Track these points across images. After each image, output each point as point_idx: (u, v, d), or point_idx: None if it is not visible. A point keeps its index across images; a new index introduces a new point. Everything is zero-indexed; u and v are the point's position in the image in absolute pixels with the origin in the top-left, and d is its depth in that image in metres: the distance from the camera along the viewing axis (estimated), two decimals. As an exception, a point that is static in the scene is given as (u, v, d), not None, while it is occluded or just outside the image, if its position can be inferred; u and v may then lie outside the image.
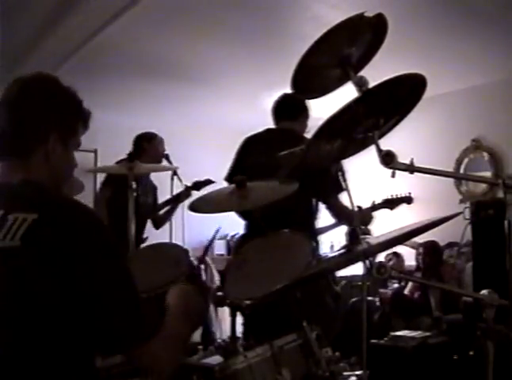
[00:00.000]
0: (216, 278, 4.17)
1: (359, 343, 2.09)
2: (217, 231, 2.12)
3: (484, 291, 1.41)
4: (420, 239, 4.53)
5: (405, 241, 1.85)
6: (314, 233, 2.84)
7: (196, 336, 1.69)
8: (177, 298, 1.42)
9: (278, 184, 2.04)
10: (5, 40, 3.97)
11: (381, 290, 4.79)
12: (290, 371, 1.57)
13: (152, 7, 3.72)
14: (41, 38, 4.22)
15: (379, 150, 1.39)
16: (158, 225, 4.25)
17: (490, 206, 3.00)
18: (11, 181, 1.28)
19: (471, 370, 3.04)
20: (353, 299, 4.57)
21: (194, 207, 1.99)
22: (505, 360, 1.39)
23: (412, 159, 1.40)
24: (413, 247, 4.79)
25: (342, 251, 1.82)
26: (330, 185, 2.65)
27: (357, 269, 1.92)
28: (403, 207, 3.84)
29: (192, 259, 1.84)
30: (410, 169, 1.40)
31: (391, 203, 3.71)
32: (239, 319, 1.90)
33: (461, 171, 5.49)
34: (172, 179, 4.05)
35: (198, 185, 4.06)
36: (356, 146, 1.52)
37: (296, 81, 1.52)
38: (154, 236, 3.91)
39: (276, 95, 3.06)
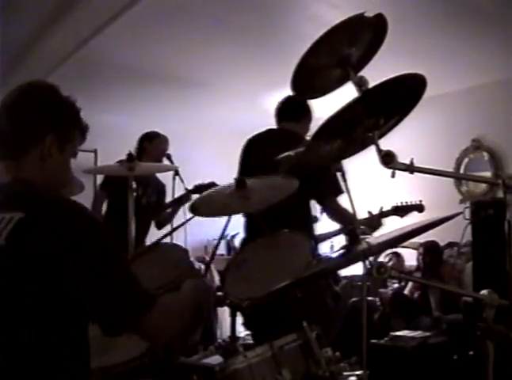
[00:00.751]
0: (216, 278, 4.16)
1: (359, 343, 2.09)
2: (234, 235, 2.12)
3: (484, 291, 1.41)
4: (420, 239, 4.52)
5: (405, 241, 1.84)
6: (312, 235, 2.84)
7: (196, 336, 1.68)
8: (191, 286, 1.47)
9: (279, 181, 2.03)
10: (1, 43, 3.97)
11: (381, 290, 4.78)
12: (290, 371, 1.57)
13: (152, 8, 3.72)
14: (39, 40, 4.22)
15: (379, 150, 1.39)
16: (160, 226, 4.25)
17: (490, 206, 2.99)
18: (2, 181, 1.29)
19: (471, 370, 3.04)
20: (353, 299, 4.56)
21: (195, 210, 1.99)
22: (505, 360, 1.39)
23: (412, 159, 1.40)
24: (414, 248, 4.78)
25: (342, 251, 1.82)
26: (328, 187, 2.65)
27: (357, 269, 1.92)
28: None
29: (192, 259, 1.84)
30: (410, 169, 1.40)
31: (401, 211, 3.54)
32: (239, 319, 1.90)
33: (461, 171, 5.49)
34: (174, 179, 4.05)
35: (201, 188, 3.98)
36: (356, 146, 1.52)
37: (296, 81, 1.52)
38: (154, 236, 3.91)
39: (276, 95, 3.06)
